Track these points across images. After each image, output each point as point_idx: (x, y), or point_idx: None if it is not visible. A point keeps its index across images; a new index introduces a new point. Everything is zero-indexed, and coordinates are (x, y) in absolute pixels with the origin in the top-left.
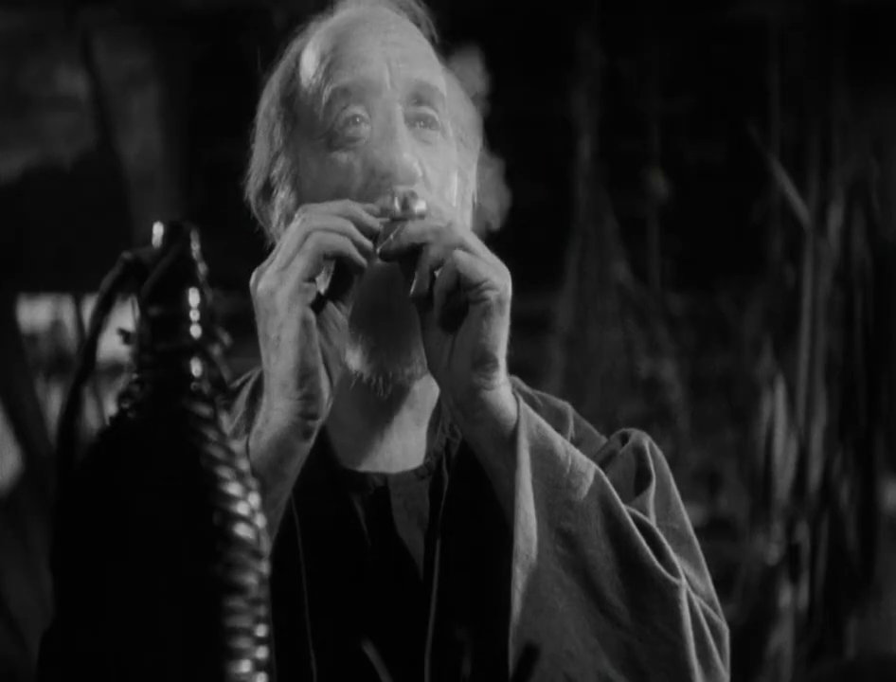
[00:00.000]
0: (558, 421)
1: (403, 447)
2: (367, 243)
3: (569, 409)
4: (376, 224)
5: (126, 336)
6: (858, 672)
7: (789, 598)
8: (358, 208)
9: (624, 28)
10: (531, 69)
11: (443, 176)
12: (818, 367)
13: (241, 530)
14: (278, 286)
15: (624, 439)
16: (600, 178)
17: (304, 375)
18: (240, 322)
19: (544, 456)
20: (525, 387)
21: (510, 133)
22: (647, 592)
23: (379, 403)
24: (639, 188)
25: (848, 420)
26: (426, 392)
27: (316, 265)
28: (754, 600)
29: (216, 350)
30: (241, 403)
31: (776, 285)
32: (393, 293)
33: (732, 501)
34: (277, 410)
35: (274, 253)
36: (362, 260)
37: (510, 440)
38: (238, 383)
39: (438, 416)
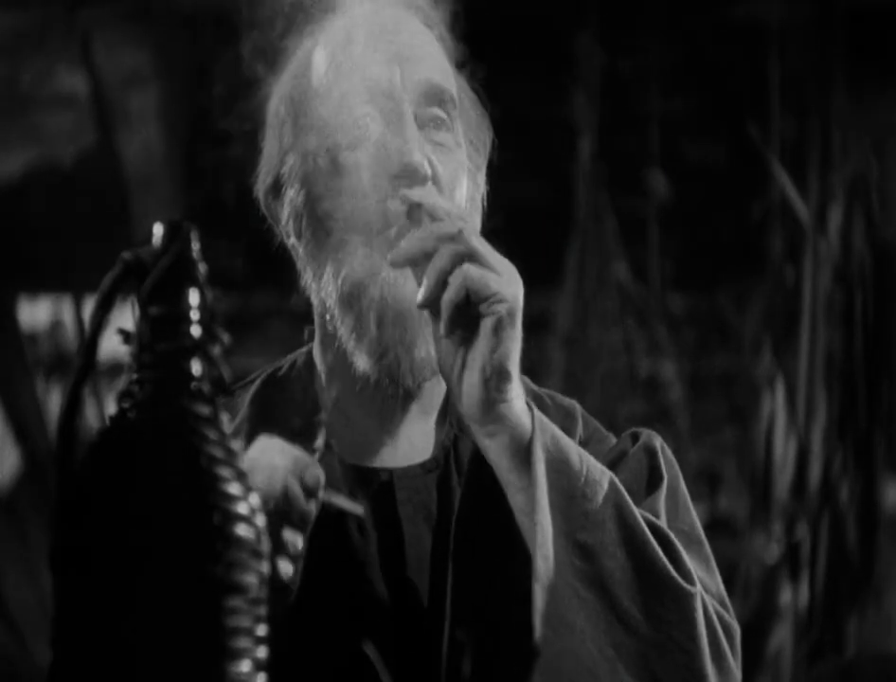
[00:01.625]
0: (566, 420)
1: (410, 441)
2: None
3: (577, 407)
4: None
5: (126, 336)
6: (858, 671)
7: (789, 597)
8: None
9: (624, 29)
10: (532, 69)
11: (453, 178)
12: (818, 367)
13: (242, 530)
14: None
15: (635, 438)
16: (600, 178)
17: None
18: (240, 322)
19: (559, 468)
20: (533, 386)
21: (510, 133)
22: (663, 601)
23: (386, 402)
24: (639, 188)
25: (848, 420)
26: (433, 387)
27: None
28: (754, 599)
29: (216, 350)
30: (242, 406)
31: (776, 285)
32: (400, 296)
33: (732, 501)
34: None
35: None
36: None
37: (525, 453)
38: (240, 384)
39: (445, 409)
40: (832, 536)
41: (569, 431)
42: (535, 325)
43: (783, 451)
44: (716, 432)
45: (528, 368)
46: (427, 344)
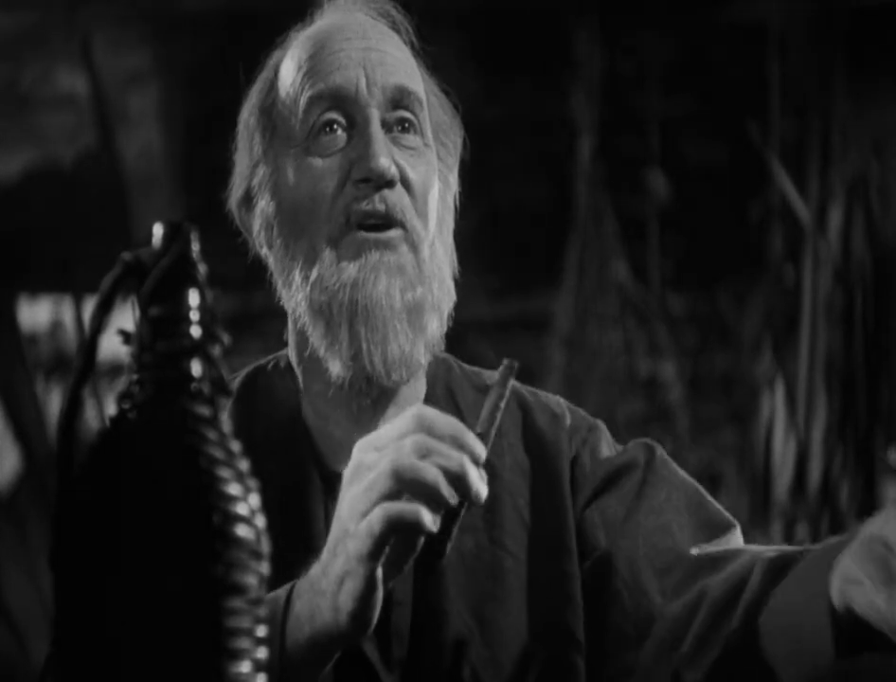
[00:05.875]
0: (553, 422)
1: None
2: (433, 525)
3: (562, 402)
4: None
5: (126, 336)
6: (858, 672)
7: None
8: (460, 461)
9: (624, 28)
10: (531, 69)
11: (424, 180)
12: (818, 367)
13: (242, 530)
14: (354, 534)
15: (650, 451)
16: (600, 178)
17: (359, 624)
18: (240, 322)
19: None
20: (516, 385)
21: (510, 133)
22: None
23: (363, 405)
24: (639, 188)
25: (848, 420)
26: (411, 390)
27: (389, 537)
28: None
29: (216, 351)
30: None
31: (776, 285)
32: (369, 296)
33: (732, 501)
34: (323, 624)
35: (381, 436)
36: (431, 530)
37: None
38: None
39: None
40: (832, 536)
41: (557, 433)
42: (535, 325)
43: (783, 451)
44: (716, 432)
45: (529, 368)
46: (400, 342)
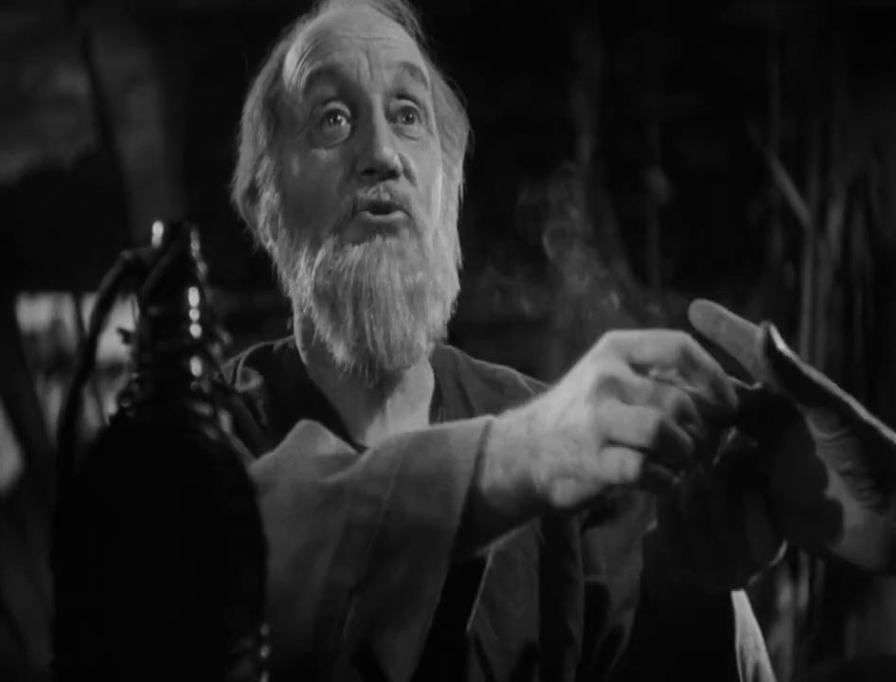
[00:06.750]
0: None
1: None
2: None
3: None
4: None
5: (126, 336)
6: (858, 672)
7: (789, 597)
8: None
9: (624, 28)
10: (531, 69)
11: (428, 171)
12: (818, 367)
13: (242, 530)
14: (601, 458)
15: None
16: (600, 178)
17: (563, 514)
18: (240, 322)
19: None
20: (524, 381)
21: (510, 133)
22: None
23: (368, 390)
24: (639, 188)
25: None
26: (419, 379)
27: (632, 488)
28: (753, 599)
29: (216, 350)
30: (237, 375)
31: (776, 285)
32: (374, 276)
33: None
34: (529, 488)
35: (638, 349)
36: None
37: None
38: (228, 364)
39: (438, 402)
40: None
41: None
42: (535, 325)
43: None
44: None
45: (529, 368)
46: (402, 324)
